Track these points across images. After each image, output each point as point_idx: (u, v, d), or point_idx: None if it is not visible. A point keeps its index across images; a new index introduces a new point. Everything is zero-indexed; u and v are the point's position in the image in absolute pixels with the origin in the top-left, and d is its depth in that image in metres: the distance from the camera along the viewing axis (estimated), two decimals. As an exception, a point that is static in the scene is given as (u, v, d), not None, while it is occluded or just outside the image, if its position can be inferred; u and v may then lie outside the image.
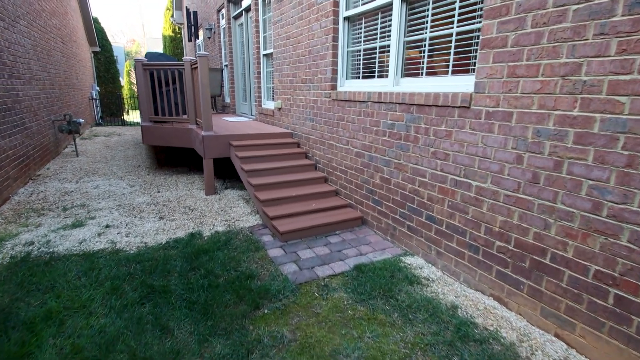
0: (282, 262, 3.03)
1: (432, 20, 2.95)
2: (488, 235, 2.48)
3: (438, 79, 2.91)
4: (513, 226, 2.32)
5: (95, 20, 13.99)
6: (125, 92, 19.21)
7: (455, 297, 2.56)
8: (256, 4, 6.18)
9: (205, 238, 3.49)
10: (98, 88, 13.38)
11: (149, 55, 5.96)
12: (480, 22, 2.53)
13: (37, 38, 6.66)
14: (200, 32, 10.38)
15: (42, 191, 4.92)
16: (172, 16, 13.51)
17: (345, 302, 2.52)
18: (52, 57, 7.67)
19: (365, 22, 3.73)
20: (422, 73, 3.11)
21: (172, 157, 7.28)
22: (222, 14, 8.30)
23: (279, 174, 4.38)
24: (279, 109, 5.60)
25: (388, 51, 3.43)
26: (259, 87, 6.49)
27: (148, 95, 5.61)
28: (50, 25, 7.79)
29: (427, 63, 3.05)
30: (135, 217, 4.05)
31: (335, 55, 4.07)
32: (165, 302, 2.50)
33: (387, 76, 3.45)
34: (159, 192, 5.00)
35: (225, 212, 4.20)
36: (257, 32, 6.25)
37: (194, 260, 3.03)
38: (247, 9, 6.87)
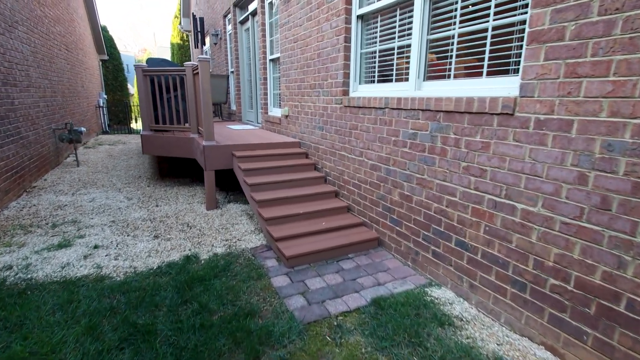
0: (287, 294, 2.59)
1: (462, 15, 2.52)
2: (538, 270, 2.02)
3: (469, 82, 2.47)
4: (573, 262, 1.86)
5: (104, 29, 13.87)
6: (135, 100, 19.11)
7: (498, 344, 2.09)
8: (262, 7, 5.82)
9: (202, 262, 3.07)
10: (106, 96, 13.19)
11: (151, 61, 5.66)
12: (525, 12, 2.09)
13: (38, 45, 6.39)
14: (207, 39, 10.10)
15: (34, 205, 4.57)
16: (180, 24, 13.31)
17: (364, 350, 2.07)
18: (55, 65, 7.42)
19: (381, 20, 3.31)
20: (449, 75, 2.67)
21: (175, 167, 6.92)
22: (229, 19, 7.99)
23: (286, 188, 3.95)
24: (286, 116, 5.20)
25: (408, 52, 3.00)
26: (265, 94, 6.11)
27: (148, 103, 5.26)
28: (54, 32, 7.56)
29: (456, 64, 2.61)
30: (128, 235, 3.66)
31: (347, 58, 3.66)
32: (149, 347, 2.07)
33: (407, 80, 3.02)
34: (157, 206, 4.61)
35: (226, 230, 3.79)
36: (264, 36, 5.89)
37: (186, 291, 2.61)
38: (254, 13, 6.53)
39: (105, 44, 13.62)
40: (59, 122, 7.14)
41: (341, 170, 3.89)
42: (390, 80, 3.27)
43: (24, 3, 5.79)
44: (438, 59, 2.77)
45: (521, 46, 2.16)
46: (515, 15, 2.18)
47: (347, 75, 3.70)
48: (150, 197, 4.96)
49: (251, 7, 6.60)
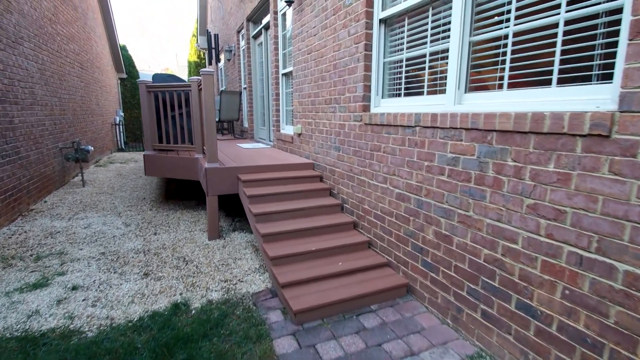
0: (293, 366, 1.98)
1: (519, 8, 1.94)
2: (659, 366, 1.36)
3: (531, 93, 1.87)
4: None
5: (123, 48, 13.92)
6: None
7: None
8: (275, 19, 5.40)
9: (192, 312, 2.50)
10: (123, 114, 13.11)
11: (157, 77, 5.31)
12: (623, -6, 1.50)
13: (47, 62, 6.16)
14: (222, 56, 9.84)
15: (25, 231, 4.15)
16: (197, 42, 13.21)
17: None
18: (67, 82, 7.20)
19: (409, 24, 2.77)
20: (500, 85, 2.08)
21: (182, 188, 6.48)
22: (242, 35, 7.66)
23: (296, 218, 3.38)
24: (299, 134, 4.68)
25: (444, 58, 2.43)
26: (278, 110, 5.64)
27: (152, 120, 4.85)
28: (67, 49, 7.38)
29: (510, 70, 2.02)
30: (115, 272, 3.14)
31: (368, 68, 3.11)
32: None
33: (443, 91, 2.44)
34: (155, 234, 4.11)
35: (226, 267, 3.22)
36: (276, 49, 5.45)
37: (165, 358, 2.03)
38: (267, 27, 6.13)
39: (124, 62, 13.64)
40: (68, 140, 6.86)
41: (361, 197, 3.30)
42: (421, 93, 2.70)
43: (32, 19, 5.57)
44: (485, 65, 2.18)
45: (612, 43, 1.55)
46: (600, 2, 1.59)
47: (367, 89, 3.15)
48: (149, 223, 4.47)
49: (264, 21, 6.21)
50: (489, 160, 1.97)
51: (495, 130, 1.93)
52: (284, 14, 5.24)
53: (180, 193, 6.11)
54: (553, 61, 1.80)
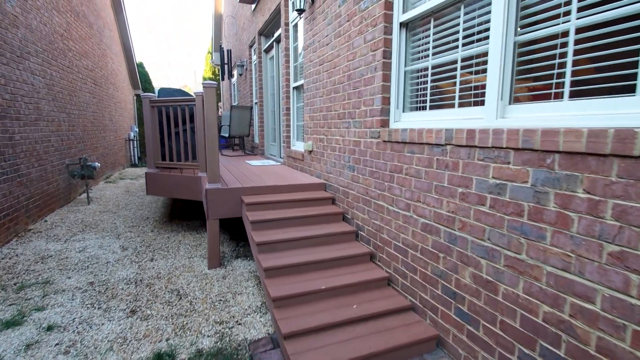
0: None
1: (585, -4, 1.51)
2: None
3: (607, 103, 1.42)
4: None
5: (140, 65, 14.04)
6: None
7: None
8: (287, 31, 5.12)
9: (178, 366, 2.09)
10: (137, 129, 13.09)
11: (162, 91, 5.06)
12: None
13: (56, 77, 6.02)
14: (235, 71, 9.68)
15: (17, 255, 3.85)
16: (212, 59, 13.20)
17: None
18: (78, 98, 7.08)
19: (435, 26, 2.37)
20: (559, 95, 1.64)
21: (187, 207, 6.15)
22: (254, 49, 7.44)
23: (304, 247, 2.96)
24: (310, 152, 4.29)
25: (480, 64, 2.01)
26: (288, 126, 5.29)
27: (155, 136, 4.56)
28: (79, 65, 7.30)
29: (572, 75, 1.58)
30: (99, 307, 2.76)
31: (386, 78, 2.72)
32: None
33: (481, 103, 2.01)
34: (152, 259, 3.74)
35: (224, 304, 2.80)
36: (287, 61, 5.14)
37: None
38: (278, 40, 5.86)
39: (140, 79, 13.72)
40: (76, 156, 6.67)
41: (378, 225, 2.85)
42: (451, 106, 2.27)
43: (41, 35, 5.45)
44: (535, 70, 1.75)
45: None
46: None
47: (386, 101, 2.75)
48: (148, 247, 4.12)
49: (276, 34, 5.95)
50: (550, 190, 1.52)
51: (558, 152, 1.48)
52: (295, 25, 4.94)
53: (185, 213, 5.78)
54: (638, 62, 1.35)
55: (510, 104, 1.85)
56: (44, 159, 5.36)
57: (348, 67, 3.22)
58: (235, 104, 10.45)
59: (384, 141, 2.72)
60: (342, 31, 3.29)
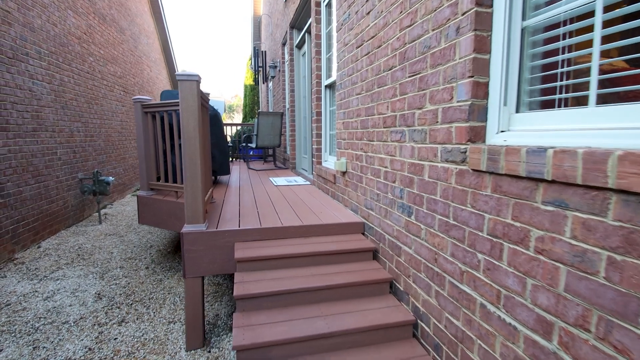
0: None
1: None
2: None
3: None
4: None
5: (183, 74, 13.69)
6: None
7: None
8: (318, 13, 3.90)
9: None
10: (177, 138, 12.67)
11: (165, 94, 4.13)
12: None
13: (69, 83, 5.36)
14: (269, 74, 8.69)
15: (-28, 300, 3.01)
16: (251, 64, 12.45)
17: None
18: (100, 106, 6.46)
19: None
20: None
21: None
22: (287, 47, 6.34)
23: (329, 352, 1.66)
24: (343, 173, 2.99)
25: None
26: (319, 135, 4.04)
27: (148, 150, 3.55)
28: (104, 72, 6.70)
29: None
30: None
31: (482, 45, 1.35)
32: None
33: None
34: (121, 322, 2.67)
35: None
36: (318, 52, 3.91)
37: None
38: (309, 30, 4.67)
39: (182, 87, 13.36)
40: (92, 169, 6.00)
41: (461, 332, 1.47)
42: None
43: (47, 36, 4.77)
44: None
45: None
46: None
47: (481, 91, 1.37)
48: (128, 297, 3.07)
49: (308, 22, 4.77)
50: None
51: None
52: (329, 4, 3.70)
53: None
54: None
55: None
56: (44, 174, 4.63)
57: (402, 40, 1.89)
58: (262, 110, 9.46)
59: (476, 170, 1.35)
60: (392, -16, 1.98)
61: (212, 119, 4.13)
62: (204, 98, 2.70)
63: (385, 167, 2.16)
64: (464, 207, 1.43)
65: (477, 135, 1.39)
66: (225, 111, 37.14)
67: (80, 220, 5.57)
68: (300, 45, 5.55)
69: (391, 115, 2.06)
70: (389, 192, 2.12)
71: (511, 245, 1.19)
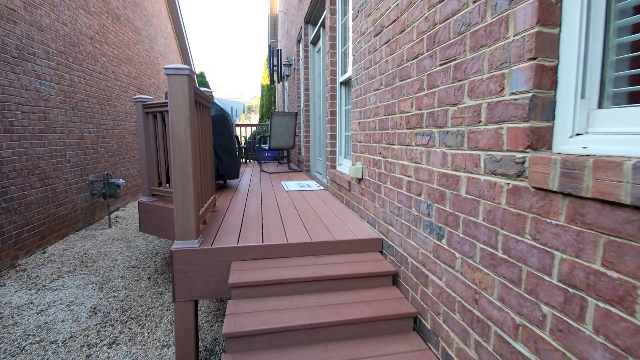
0: None
1: None
2: None
3: None
4: None
5: (201, 75, 13.67)
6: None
7: None
8: (332, 3, 3.55)
9: None
10: (194, 139, 12.62)
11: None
12: None
13: (79, 84, 5.23)
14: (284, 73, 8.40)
15: (-35, 311, 2.84)
16: (268, 64, 12.23)
17: None
18: (113, 107, 6.34)
19: None
20: None
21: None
22: (301, 43, 6.03)
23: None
24: (359, 180, 2.63)
25: None
26: (333, 137, 3.69)
27: (149, 154, 3.30)
28: (118, 72, 6.59)
29: None
30: None
31: (548, 11, 0.98)
32: None
33: None
34: (111, 345, 2.41)
35: None
36: (333, 45, 3.56)
37: None
38: (324, 23, 4.33)
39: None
40: (103, 171, 5.87)
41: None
42: None
43: (56, 35, 4.64)
44: None
45: None
46: None
47: (546, 79, 0.99)
48: (123, 313, 2.82)
49: (323, 15, 4.43)
50: None
51: None
52: (345, -8, 3.35)
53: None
54: None
55: None
56: (52, 177, 4.50)
57: (431, 20, 1.51)
58: (278, 110, 9.19)
59: (540, 189, 0.96)
60: (419, -48, 1.60)
61: (218, 120, 3.86)
62: (201, 95, 2.41)
63: (409, 176, 1.78)
64: (520, 238, 1.05)
65: (540, 139, 1.00)
66: (244, 112, 37.35)
67: (90, 224, 5.44)
68: (315, 41, 5.21)
69: (416, 114, 1.69)
70: (412, 207, 1.75)
71: (601, 304, 0.80)
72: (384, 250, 2.15)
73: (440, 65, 1.46)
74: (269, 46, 8.00)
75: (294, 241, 2.09)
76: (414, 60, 1.69)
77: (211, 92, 3.11)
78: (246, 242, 2.06)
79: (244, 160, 8.31)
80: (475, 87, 1.24)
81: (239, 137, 8.70)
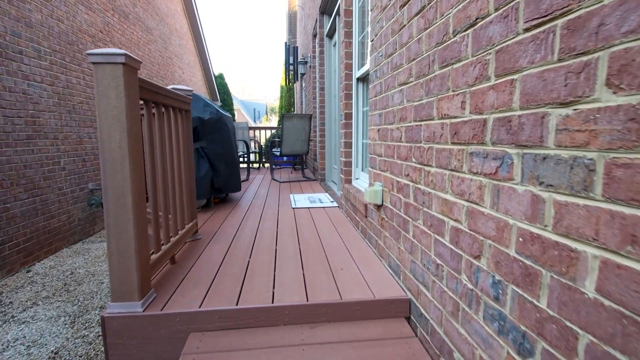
0: None
1: None
2: None
3: None
4: None
5: (220, 77, 13.36)
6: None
7: None
8: (349, -18, 2.88)
9: None
10: (212, 141, 12.30)
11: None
12: None
13: (78, 85, 4.84)
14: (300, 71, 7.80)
15: None
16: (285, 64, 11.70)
17: None
18: (119, 110, 5.95)
19: None
20: None
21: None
22: (317, 37, 5.39)
23: None
24: (378, 206, 1.95)
25: None
26: (349, 145, 3.02)
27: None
28: (125, 73, 6.20)
29: None
30: None
31: None
32: None
33: None
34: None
35: None
36: (349, 33, 2.89)
37: None
38: (339, 12, 3.67)
39: (219, 90, 13.01)
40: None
41: None
42: None
43: (50, 32, 4.24)
44: None
45: None
46: None
47: None
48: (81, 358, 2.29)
49: (338, 3, 3.77)
50: None
51: None
52: (363, -35, 2.67)
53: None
54: None
55: None
56: (41, 187, 4.09)
57: (509, -50, 0.82)
58: (296, 111, 8.58)
59: None
60: None
61: (214, 124, 3.28)
62: (165, 94, 1.81)
63: (456, 220, 1.10)
64: None
65: None
66: (266, 113, 37.15)
67: (89, 235, 5.05)
68: (331, 34, 4.56)
69: (472, 120, 1.00)
70: (463, 274, 1.06)
71: None
72: (412, 318, 1.46)
73: (528, 29, 0.77)
74: (285, 43, 7.44)
75: (282, 301, 1.45)
76: (470, 30, 1.00)
77: (191, 89, 2.52)
78: (214, 302, 1.43)
79: (258, 165, 7.78)
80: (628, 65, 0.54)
81: (254, 142, 8.18)
